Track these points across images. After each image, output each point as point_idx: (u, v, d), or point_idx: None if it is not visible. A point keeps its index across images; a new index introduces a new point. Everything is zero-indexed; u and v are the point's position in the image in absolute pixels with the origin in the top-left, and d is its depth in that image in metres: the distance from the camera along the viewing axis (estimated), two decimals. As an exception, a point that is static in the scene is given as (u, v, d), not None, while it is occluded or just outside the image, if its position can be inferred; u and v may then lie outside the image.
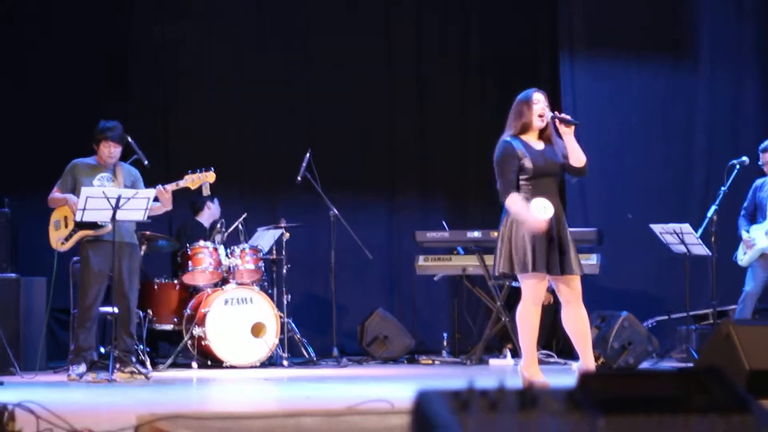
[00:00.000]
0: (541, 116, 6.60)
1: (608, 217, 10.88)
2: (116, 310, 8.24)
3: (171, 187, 8.37)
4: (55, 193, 8.40)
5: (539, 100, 6.64)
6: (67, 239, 8.32)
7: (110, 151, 8.39)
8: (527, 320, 6.62)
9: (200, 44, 11.17)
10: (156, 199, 8.29)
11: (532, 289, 6.57)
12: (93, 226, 8.20)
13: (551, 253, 6.49)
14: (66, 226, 8.33)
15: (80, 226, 8.24)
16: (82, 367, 8.12)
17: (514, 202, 6.46)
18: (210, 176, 8.48)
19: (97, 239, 8.28)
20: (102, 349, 8.98)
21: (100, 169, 8.42)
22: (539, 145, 6.63)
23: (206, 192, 8.63)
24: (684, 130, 11.27)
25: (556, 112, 6.63)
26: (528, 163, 6.50)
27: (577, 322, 6.64)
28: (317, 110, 11.30)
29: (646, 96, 11.28)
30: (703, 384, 2.42)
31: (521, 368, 6.73)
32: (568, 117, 6.60)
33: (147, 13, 11.10)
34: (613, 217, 10.93)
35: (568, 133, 6.56)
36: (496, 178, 6.58)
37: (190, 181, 8.45)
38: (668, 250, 9.60)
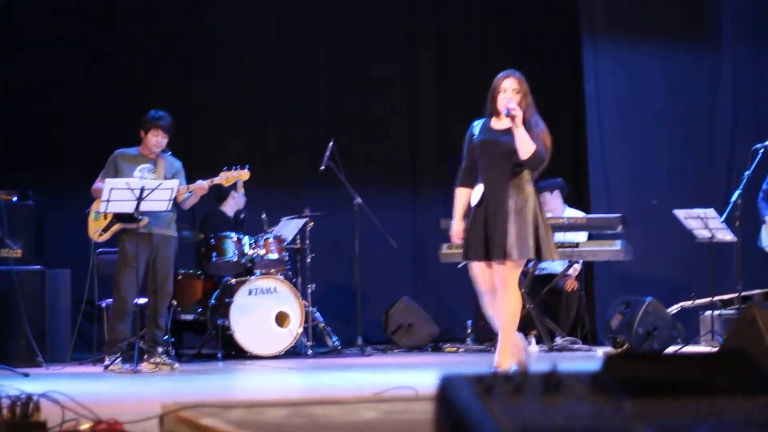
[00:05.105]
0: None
1: (632, 203, 10.83)
2: (147, 301, 8.28)
3: (207, 183, 8.42)
4: (98, 183, 8.38)
5: (506, 89, 6.53)
6: (105, 230, 8.35)
7: (158, 140, 8.41)
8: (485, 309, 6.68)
9: (222, 34, 11.16)
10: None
11: (475, 277, 6.64)
12: (130, 218, 8.22)
13: (489, 238, 6.44)
14: (105, 218, 8.35)
15: (118, 218, 8.26)
16: (118, 358, 8.14)
17: (455, 196, 6.74)
18: (244, 174, 8.54)
19: (134, 230, 8.31)
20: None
21: (142, 160, 8.44)
22: (504, 125, 6.55)
23: (240, 189, 8.87)
24: (706, 114, 11.19)
25: (508, 102, 6.47)
26: (475, 144, 6.60)
27: (500, 309, 6.52)
28: (339, 97, 11.28)
29: (668, 80, 11.20)
30: (729, 366, 2.40)
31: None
32: (509, 107, 6.44)
33: (171, 7, 11.10)
34: (637, 202, 10.88)
35: (514, 125, 6.44)
36: None
37: (225, 178, 8.51)
38: (693, 236, 9.55)
